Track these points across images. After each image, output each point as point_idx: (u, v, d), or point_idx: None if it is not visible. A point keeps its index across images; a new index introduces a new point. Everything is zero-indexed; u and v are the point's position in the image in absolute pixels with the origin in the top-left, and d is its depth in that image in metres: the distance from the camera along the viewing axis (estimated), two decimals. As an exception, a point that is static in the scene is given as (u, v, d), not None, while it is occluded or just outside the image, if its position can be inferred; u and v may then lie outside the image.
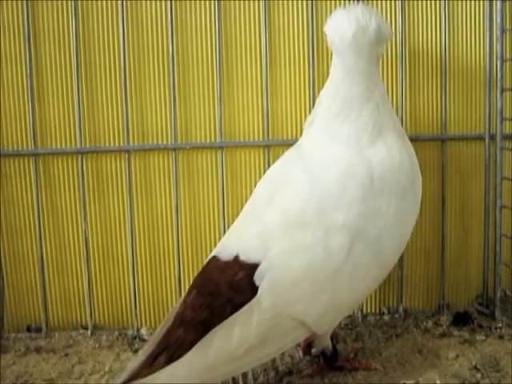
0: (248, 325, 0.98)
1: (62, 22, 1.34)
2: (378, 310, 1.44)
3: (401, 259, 1.37)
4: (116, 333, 1.39)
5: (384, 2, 1.37)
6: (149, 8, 1.35)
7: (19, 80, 1.35)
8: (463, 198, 1.44)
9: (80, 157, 1.36)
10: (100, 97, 1.37)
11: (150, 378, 0.96)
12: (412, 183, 1.10)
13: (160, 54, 1.36)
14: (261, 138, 1.38)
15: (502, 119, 1.36)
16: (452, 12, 1.38)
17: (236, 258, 1.04)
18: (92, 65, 1.36)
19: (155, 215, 1.40)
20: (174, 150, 1.37)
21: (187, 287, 1.11)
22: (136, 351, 1.29)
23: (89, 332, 1.39)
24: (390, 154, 1.08)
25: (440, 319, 1.38)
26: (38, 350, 1.32)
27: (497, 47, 1.35)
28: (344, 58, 1.09)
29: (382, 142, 1.08)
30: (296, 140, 1.20)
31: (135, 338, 1.37)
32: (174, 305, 1.11)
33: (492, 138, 1.38)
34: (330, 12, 1.15)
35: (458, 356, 1.23)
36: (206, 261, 1.11)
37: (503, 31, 1.34)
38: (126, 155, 1.36)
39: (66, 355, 1.30)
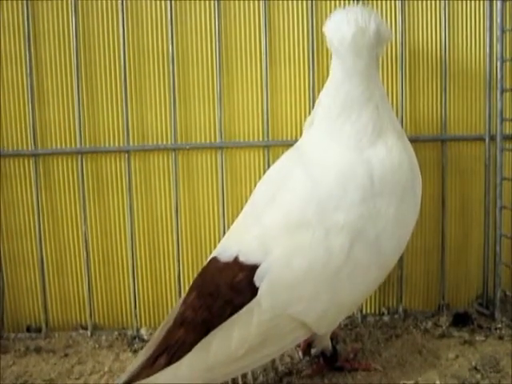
0: (248, 326, 0.98)
1: (61, 22, 1.34)
2: (377, 311, 1.44)
3: (401, 260, 1.37)
4: (116, 333, 1.39)
5: (384, 2, 1.37)
6: (149, 8, 1.35)
7: (19, 80, 1.35)
8: (463, 199, 1.44)
9: (80, 157, 1.36)
10: (100, 97, 1.37)
11: (150, 379, 0.96)
12: (412, 184, 1.10)
13: (160, 54, 1.36)
14: (261, 139, 1.38)
15: (502, 120, 1.36)
16: (452, 12, 1.38)
17: (236, 260, 1.04)
18: (92, 65, 1.36)
19: (155, 215, 1.40)
20: (174, 150, 1.37)
21: (187, 287, 1.11)
22: (136, 351, 1.29)
23: (88, 332, 1.39)
24: (390, 154, 1.08)
25: (440, 320, 1.38)
26: (38, 350, 1.32)
27: (497, 47, 1.35)
28: (343, 60, 1.09)
29: (382, 143, 1.09)
30: (296, 141, 1.20)
31: (135, 338, 1.37)
32: (174, 305, 1.11)
33: (492, 138, 1.38)
34: (330, 13, 1.15)
35: (457, 356, 1.23)
36: (205, 262, 1.11)
37: (503, 31, 1.34)
38: (126, 155, 1.36)
39: (66, 355, 1.30)
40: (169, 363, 0.97)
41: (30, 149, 1.36)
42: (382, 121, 1.10)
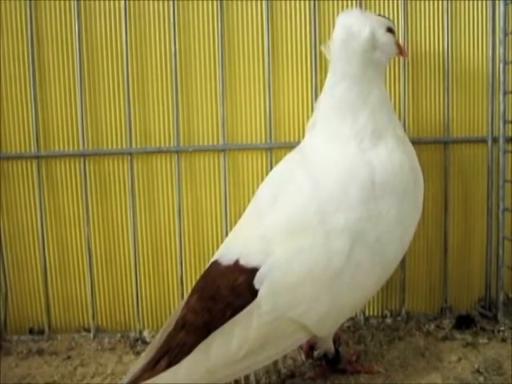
0: (247, 328, 0.98)
1: (64, 24, 1.35)
2: (380, 313, 1.44)
3: (403, 262, 1.37)
4: (118, 335, 1.39)
5: (386, 6, 1.37)
6: (151, 10, 1.35)
7: (22, 82, 1.35)
8: (466, 201, 1.43)
9: (83, 159, 1.36)
10: (103, 99, 1.37)
11: (150, 381, 0.96)
12: (413, 186, 1.10)
13: (162, 56, 1.36)
14: (263, 141, 1.38)
15: (505, 122, 1.36)
16: (455, 15, 1.38)
17: (236, 263, 1.04)
18: (95, 67, 1.36)
19: (158, 217, 1.40)
20: (177, 152, 1.37)
21: (189, 290, 1.11)
22: (138, 354, 1.29)
23: (91, 334, 1.39)
24: (391, 157, 1.08)
25: (442, 322, 1.38)
26: (41, 353, 1.32)
27: (499, 50, 1.35)
28: (336, 62, 1.11)
29: (383, 145, 1.09)
30: (298, 143, 1.20)
31: (137, 340, 1.37)
32: (177, 307, 1.11)
33: (494, 140, 1.38)
34: (333, 15, 1.15)
35: (460, 359, 1.22)
36: (207, 265, 1.11)
37: (506, 34, 1.34)
38: (129, 158, 1.36)
39: (69, 357, 1.30)
40: (169, 366, 0.97)
41: (32, 151, 1.36)
42: (381, 124, 1.10)
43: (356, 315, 1.41)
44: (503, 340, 1.30)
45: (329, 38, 1.13)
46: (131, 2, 1.34)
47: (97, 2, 1.35)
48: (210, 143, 1.39)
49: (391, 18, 1.36)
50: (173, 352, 0.99)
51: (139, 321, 1.39)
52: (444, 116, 1.39)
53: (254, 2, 1.36)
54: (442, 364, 1.21)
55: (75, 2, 1.33)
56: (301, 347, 1.24)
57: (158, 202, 1.40)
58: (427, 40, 1.38)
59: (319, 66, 1.36)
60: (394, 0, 1.37)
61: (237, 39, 1.37)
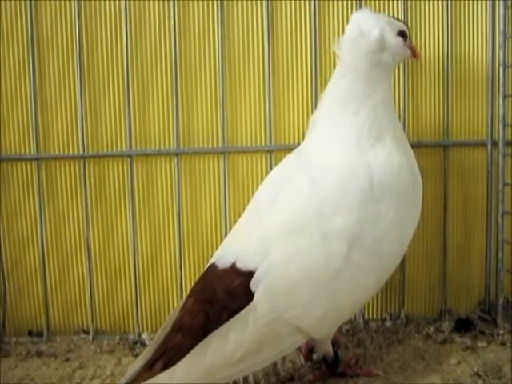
0: (243, 330, 0.98)
1: (64, 27, 1.35)
2: (379, 316, 1.44)
3: (402, 265, 1.37)
4: (117, 337, 1.39)
5: (386, 8, 1.37)
6: (152, 11, 1.35)
7: (22, 84, 1.36)
8: (465, 204, 1.43)
9: (82, 161, 1.36)
10: (102, 101, 1.37)
11: (148, 383, 0.96)
12: (412, 188, 1.10)
13: (163, 59, 1.36)
14: (263, 143, 1.39)
15: (505, 125, 1.35)
16: (454, 18, 1.38)
17: (233, 266, 1.04)
18: (95, 70, 1.36)
19: (157, 220, 1.40)
20: (177, 155, 1.37)
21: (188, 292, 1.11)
22: (137, 356, 1.28)
23: (90, 336, 1.39)
24: (390, 158, 1.08)
25: (442, 325, 1.38)
26: (39, 355, 1.32)
27: (499, 53, 1.35)
28: (343, 59, 1.11)
29: (382, 147, 1.08)
30: (298, 145, 1.20)
31: (136, 342, 1.37)
32: (174, 310, 1.11)
33: (494, 144, 1.38)
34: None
35: (459, 362, 1.22)
36: (205, 268, 1.11)
37: (506, 37, 1.34)
38: (129, 160, 1.37)
39: (67, 360, 1.30)
40: (165, 368, 0.98)
41: (32, 153, 1.36)
42: (381, 123, 1.09)
43: (355, 318, 1.41)
44: (502, 343, 1.30)
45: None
46: (131, 3, 1.35)
47: (97, 2, 1.35)
48: (210, 145, 1.39)
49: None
50: (169, 354, 0.99)
51: (138, 323, 1.39)
52: (444, 119, 1.39)
53: (254, 2, 1.36)
54: (442, 367, 1.21)
55: (75, 2, 1.33)
56: (300, 350, 1.24)
57: (157, 204, 1.40)
58: (427, 43, 1.38)
59: (319, 69, 1.36)
60: (394, 1, 1.37)
61: (237, 40, 1.37)
